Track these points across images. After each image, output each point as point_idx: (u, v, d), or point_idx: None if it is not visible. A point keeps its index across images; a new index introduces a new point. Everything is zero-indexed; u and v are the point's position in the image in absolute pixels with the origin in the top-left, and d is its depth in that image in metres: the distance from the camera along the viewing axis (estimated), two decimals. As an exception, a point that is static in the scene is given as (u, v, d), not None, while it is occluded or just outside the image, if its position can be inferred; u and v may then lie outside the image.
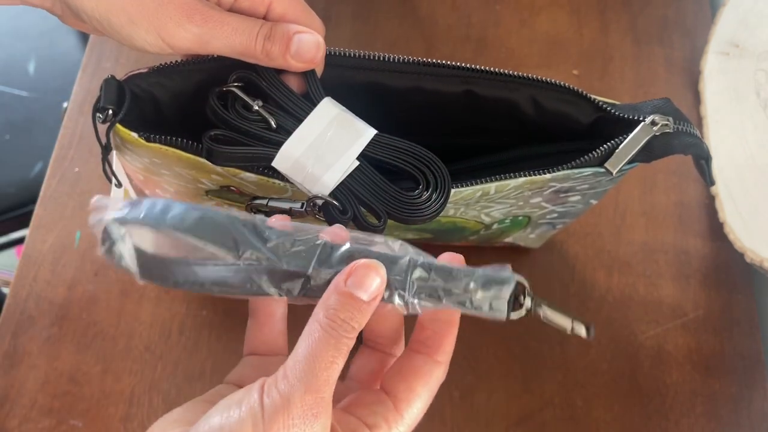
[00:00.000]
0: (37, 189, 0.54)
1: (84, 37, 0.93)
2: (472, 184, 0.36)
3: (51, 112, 0.88)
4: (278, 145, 0.33)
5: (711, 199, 0.57)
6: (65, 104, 0.57)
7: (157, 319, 0.50)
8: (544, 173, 0.37)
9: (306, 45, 0.34)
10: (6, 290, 0.51)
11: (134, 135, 0.34)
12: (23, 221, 0.84)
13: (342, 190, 0.33)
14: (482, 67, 0.37)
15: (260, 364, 0.32)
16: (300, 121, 0.34)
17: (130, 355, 0.49)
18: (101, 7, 0.33)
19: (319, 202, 0.33)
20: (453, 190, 0.35)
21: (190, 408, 0.29)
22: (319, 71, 0.36)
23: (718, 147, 0.58)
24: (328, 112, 0.34)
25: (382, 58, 0.37)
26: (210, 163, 0.34)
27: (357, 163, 0.33)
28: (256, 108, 0.34)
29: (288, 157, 0.33)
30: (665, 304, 0.53)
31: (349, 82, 0.37)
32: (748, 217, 0.53)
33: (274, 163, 0.33)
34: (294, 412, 0.25)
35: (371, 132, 0.34)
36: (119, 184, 0.38)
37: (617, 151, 0.36)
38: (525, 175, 0.36)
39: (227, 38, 0.33)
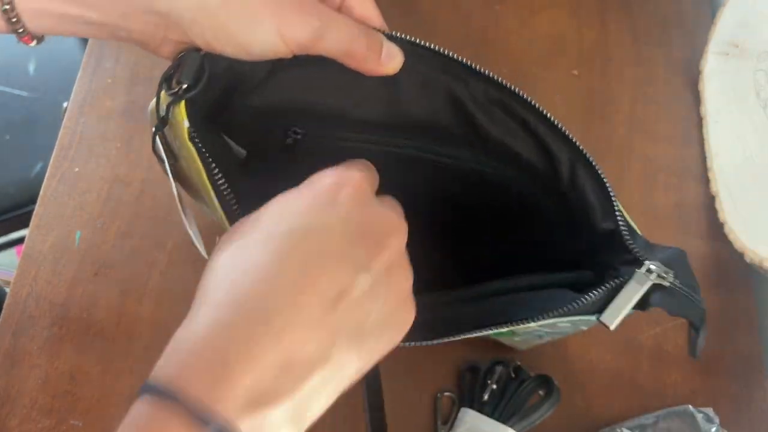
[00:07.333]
0: (37, 189, 0.54)
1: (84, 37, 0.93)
2: (477, 331, 0.38)
3: (51, 112, 0.87)
4: None
5: (711, 199, 0.57)
6: (65, 104, 0.57)
7: (158, 319, 0.50)
8: (536, 320, 0.37)
9: (393, 50, 0.34)
10: (6, 290, 0.51)
11: (186, 123, 0.33)
12: (23, 221, 0.84)
13: None
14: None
15: None
16: None
17: (131, 355, 0.49)
18: (220, 11, 0.31)
19: None
20: (461, 337, 0.37)
21: None
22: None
23: (717, 147, 0.58)
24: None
25: None
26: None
27: None
28: None
29: None
30: (665, 304, 0.53)
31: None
32: (748, 217, 0.53)
33: None
34: None
35: None
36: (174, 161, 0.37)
37: (612, 304, 0.36)
38: (516, 323, 0.37)
39: (340, 33, 0.33)
